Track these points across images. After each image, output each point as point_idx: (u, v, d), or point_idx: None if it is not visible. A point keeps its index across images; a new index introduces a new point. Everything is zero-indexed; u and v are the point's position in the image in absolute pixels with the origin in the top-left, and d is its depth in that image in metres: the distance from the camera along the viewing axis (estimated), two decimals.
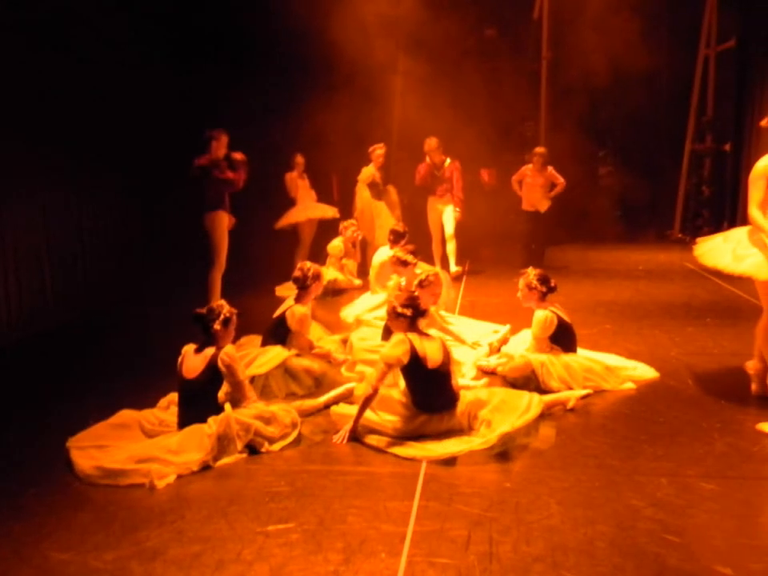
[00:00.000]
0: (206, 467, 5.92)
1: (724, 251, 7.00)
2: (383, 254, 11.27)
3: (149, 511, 5.24)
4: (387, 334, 7.67)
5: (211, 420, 6.10)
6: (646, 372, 8.15)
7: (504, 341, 9.24)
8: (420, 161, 14.48)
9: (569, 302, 10.29)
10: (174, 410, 6.56)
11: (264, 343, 8.20)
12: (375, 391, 6.37)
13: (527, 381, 7.65)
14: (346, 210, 14.77)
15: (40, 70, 10.59)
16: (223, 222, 10.71)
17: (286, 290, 11.46)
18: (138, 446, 6.13)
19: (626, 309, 11.53)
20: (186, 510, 5.24)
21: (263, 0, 14.88)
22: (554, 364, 7.63)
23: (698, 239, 7.65)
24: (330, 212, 14.47)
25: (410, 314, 6.59)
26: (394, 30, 16.72)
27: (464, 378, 7.81)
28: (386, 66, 16.81)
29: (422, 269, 9.35)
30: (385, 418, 6.46)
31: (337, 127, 15.47)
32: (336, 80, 16.39)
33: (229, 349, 6.45)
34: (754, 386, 7.44)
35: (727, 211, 18.97)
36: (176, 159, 11.34)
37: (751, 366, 7.52)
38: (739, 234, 7.11)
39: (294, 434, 6.48)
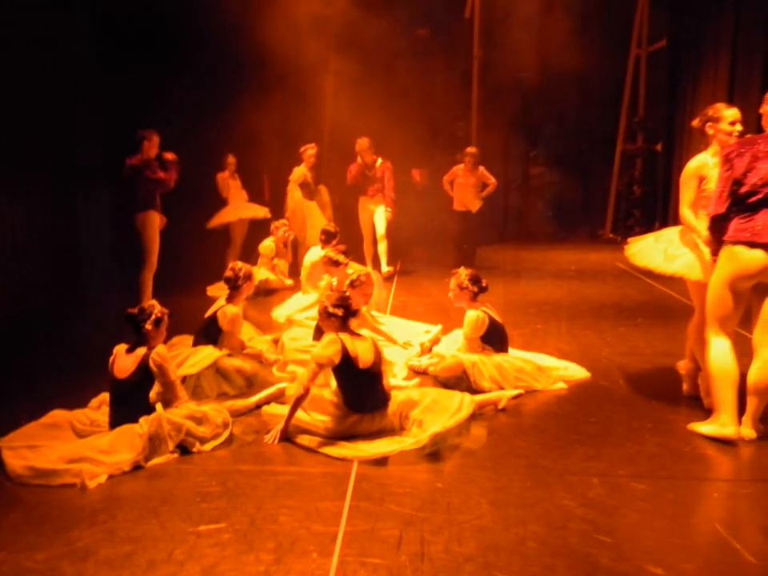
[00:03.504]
0: (137, 467, 5.86)
1: (655, 251, 7.05)
2: (315, 253, 11.24)
3: (80, 511, 5.18)
4: (319, 333, 7.66)
5: (143, 420, 6.06)
6: (577, 372, 8.20)
7: (435, 341, 9.25)
8: (351, 161, 14.53)
9: (500, 302, 10.37)
10: (106, 409, 6.49)
11: (195, 343, 8.14)
12: (306, 391, 6.36)
13: (459, 381, 7.66)
14: (278, 210, 14.74)
15: None
16: (155, 221, 10.64)
17: (218, 290, 11.41)
18: (70, 446, 6.05)
19: (558, 309, 11.62)
20: (117, 510, 5.18)
21: None
22: (485, 364, 7.64)
23: (630, 239, 7.68)
24: (261, 212, 14.47)
25: (341, 314, 6.57)
26: (326, 29, 16.73)
27: (395, 377, 7.82)
28: (318, 65, 16.85)
29: (354, 269, 9.33)
30: (316, 417, 6.44)
31: (268, 127, 15.48)
32: (267, 80, 16.31)
33: (160, 349, 6.41)
34: (685, 386, 7.51)
35: (659, 211, 19.26)
36: (108, 159, 11.23)
37: (682, 366, 7.58)
38: (671, 233, 7.17)
39: (226, 434, 6.44)
